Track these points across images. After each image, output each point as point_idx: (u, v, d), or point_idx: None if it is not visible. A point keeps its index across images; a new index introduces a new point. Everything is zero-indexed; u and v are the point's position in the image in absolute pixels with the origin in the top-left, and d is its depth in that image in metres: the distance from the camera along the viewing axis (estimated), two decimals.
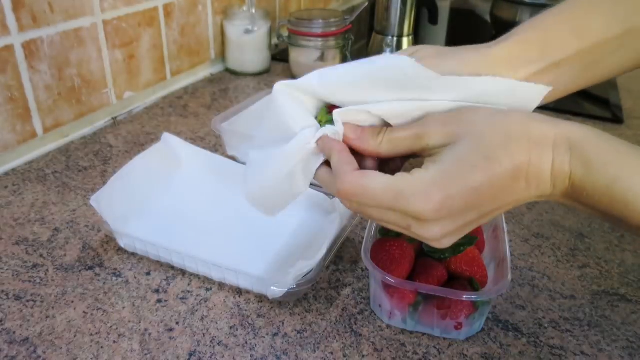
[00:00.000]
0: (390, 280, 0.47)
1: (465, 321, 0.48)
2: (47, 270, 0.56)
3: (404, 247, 0.50)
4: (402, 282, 0.47)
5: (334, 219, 0.57)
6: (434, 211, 0.35)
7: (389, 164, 0.42)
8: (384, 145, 0.39)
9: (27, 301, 0.52)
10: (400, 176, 0.36)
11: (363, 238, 0.62)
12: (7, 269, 0.56)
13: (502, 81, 0.38)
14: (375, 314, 0.52)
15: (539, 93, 0.39)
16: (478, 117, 0.37)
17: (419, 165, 0.37)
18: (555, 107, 0.99)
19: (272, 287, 0.50)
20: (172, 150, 0.68)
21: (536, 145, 0.34)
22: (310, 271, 0.51)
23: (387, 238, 0.51)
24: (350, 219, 0.58)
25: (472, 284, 0.49)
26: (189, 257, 0.55)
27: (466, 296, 0.46)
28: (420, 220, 0.36)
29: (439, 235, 0.36)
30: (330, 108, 0.41)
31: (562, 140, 0.34)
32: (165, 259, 0.56)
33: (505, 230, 0.54)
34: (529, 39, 0.40)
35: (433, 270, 0.49)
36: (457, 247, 0.49)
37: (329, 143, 0.39)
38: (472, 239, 0.50)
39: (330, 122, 0.40)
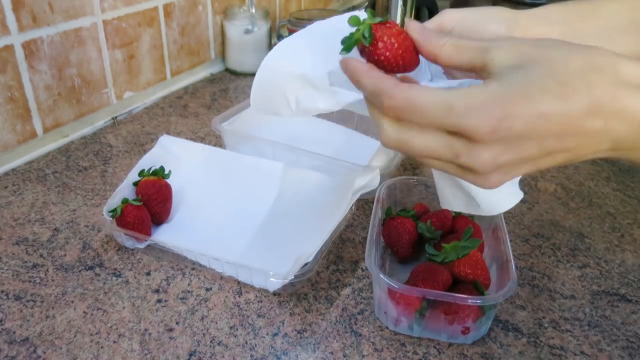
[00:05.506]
0: (395, 286, 0.46)
1: (472, 325, 0.47)
2: (47, 270, 0.56)
3: (406, 222, 0.56)
4: (409, 289, 0.47)
5: (337, 211, 0.57)
6: (491, 128, 0.30)
7: None
8: (447, 48, 0.34)
9: (27, 301, 0.52)
10: (455, 91, 0.31)
11: (363, 238, 0.62)
12: (7, 269, 0.56)
13: None
14: (375, 315, 0.52)
15: None
16: (557, 43, 0.32)
17: None
18: None
19: (270, 279, 0.51)
20: (170, 151, 0.68)
21: (624, 82, 0.30)
22: (308, 262, 0.52)
23: (392, 218, 0.57)
24: (350, 210, 0.58)
25: (477, 288, 0.49)
26: (187, 250, 0.55)
27: (474, 301, 0.46)
28: (472, 140, 0.31)
29: (491, 164, 0.31)
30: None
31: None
32: (165, 252, 0.57)
33: (506, 230, 0.54)
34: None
35: (437, 274, 0.49)
36: (462, 250, 0.49)
37: (352, 65, 0.35)
38: (476, 242, 0.49)
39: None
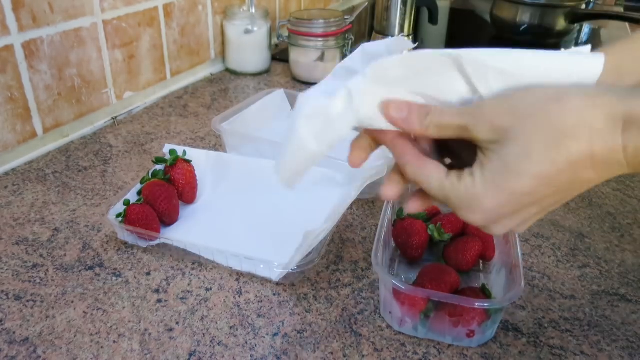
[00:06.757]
0: (400, 286, 0.46)
1: (477, 329, 0.47)
2: (47, 270, 0.56)
3: (417, 223, 0.56)
4: (413, 289, 0.47)
5: (345, 198, 0.58)
6: (482, 221, 0.35)
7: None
8: (431, 130, 0.37)
9: (27, 301, 0.52)
10: (452, 181, 0.36)
11: (363, 238, 0.62)
12: (7, 269, 0.56)
13: (554, 55, 0.35)
14: (375, 315, 0.52)
15: (597, 64, 0.35)
16: (528, 108, 0.33)
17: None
18: None
19: (274, 269, 0.53)
20: None
21: (600, 132, 0.31)
22: (311, 252, 0.53)
23: (402, 219, 0.57)
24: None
25: (484, 291, 0.49)
26: (190, 244, 0.56)
27: (480, 304, 0.45)
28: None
29: (504, 230, 0.36)
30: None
31: (635, 119, 0.30)
32: (169, 249, 0.58)
33: (517, 234, 0.53)
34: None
35: (445, 276, 0.49)
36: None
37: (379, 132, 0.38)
38: None
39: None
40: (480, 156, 0.35)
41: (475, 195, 0.34)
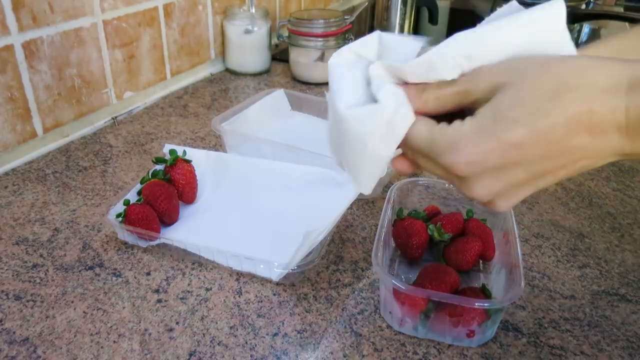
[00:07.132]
0: (400, 286, 0.46)
1: (477, 329, 0.47)
2: (47, 270, 0.56)
3: (417, 223, 0.56)
4: (413, 289, 0.47)
5: (344, 198, 0.58)
6: (465, 166, 0.33)
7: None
8: (430, 103, 0.35)
9: (27, 301, 0.52)
10: (440, 126, 0.34)
11: (363, 238, 0.62)
12: (7, 269, 0.56)
13: (514, 23, 0.34)
14: (375, 315, 0.52)
15: (557, 8, 0.34)
16: (530, 65, 0.32)
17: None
18: None
19: (274, 269, 0.53)
20: None
21: (602, 91, 0.30)
22: (311, 252, 0.53)
23: (402, 219, 0.57)
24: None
25: (484, 291, 0.49)
26: (190, 244, 0.56)
27: (480, 304, 0.45)
28: (457, 176, 0.34)
29: (484, 194, 0.34)
30: None
31: (638, 82, 0.29)
32: (170, 249, 0.58)
33: (517, 234, 0.53)
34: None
35: (445, 276, 0.49)
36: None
37: None
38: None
39: None
40: (474, 111, 0.34)
41: (463, 136, 0.33)
